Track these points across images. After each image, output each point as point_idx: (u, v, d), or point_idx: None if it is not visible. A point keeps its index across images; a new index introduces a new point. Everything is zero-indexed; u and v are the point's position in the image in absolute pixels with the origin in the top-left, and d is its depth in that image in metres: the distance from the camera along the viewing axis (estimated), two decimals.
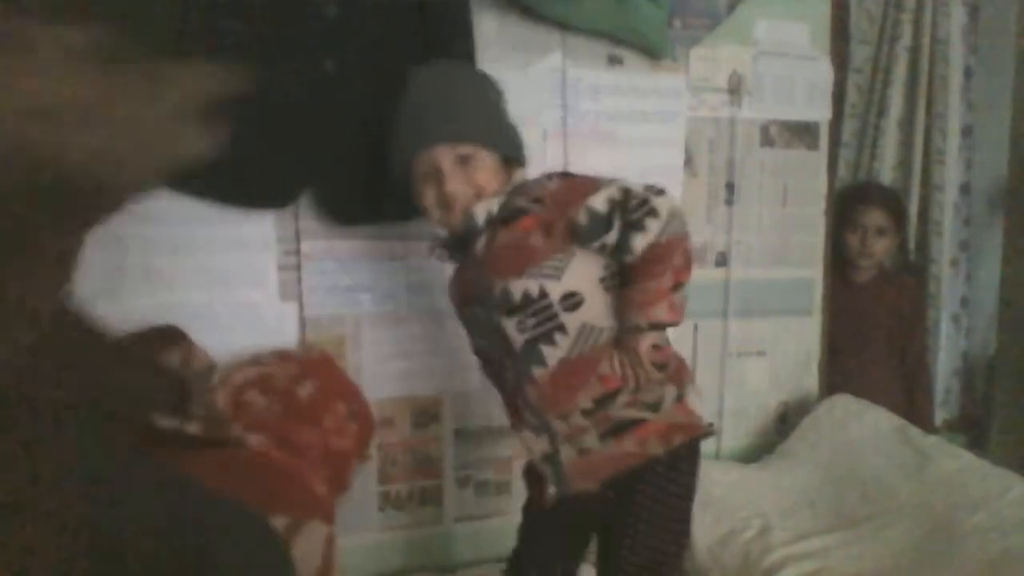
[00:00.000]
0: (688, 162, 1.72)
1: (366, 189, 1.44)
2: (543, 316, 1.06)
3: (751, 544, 1.46)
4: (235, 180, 1.38)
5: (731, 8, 1.73)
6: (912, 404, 2.02)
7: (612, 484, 1.12)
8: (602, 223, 1.05)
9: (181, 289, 1.40)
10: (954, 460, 1.53)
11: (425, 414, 1.58)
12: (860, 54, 2.19)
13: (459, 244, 1.16)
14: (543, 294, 1.05)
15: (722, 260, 1.79)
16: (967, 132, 2.26)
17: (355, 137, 1.41)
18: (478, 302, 1.13)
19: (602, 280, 1.09)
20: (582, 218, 1.05)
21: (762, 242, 1.82)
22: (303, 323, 1.48)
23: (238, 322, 1.43)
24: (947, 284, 2.25)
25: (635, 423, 1.09)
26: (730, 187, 1.78)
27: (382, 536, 1.58)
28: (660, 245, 1.04)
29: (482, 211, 1.11)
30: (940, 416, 2.27)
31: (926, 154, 2.21)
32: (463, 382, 1.57)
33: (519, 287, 1.06)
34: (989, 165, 2.29)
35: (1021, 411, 2.19)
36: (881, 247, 2.03)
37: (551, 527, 1.25)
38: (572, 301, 1.06)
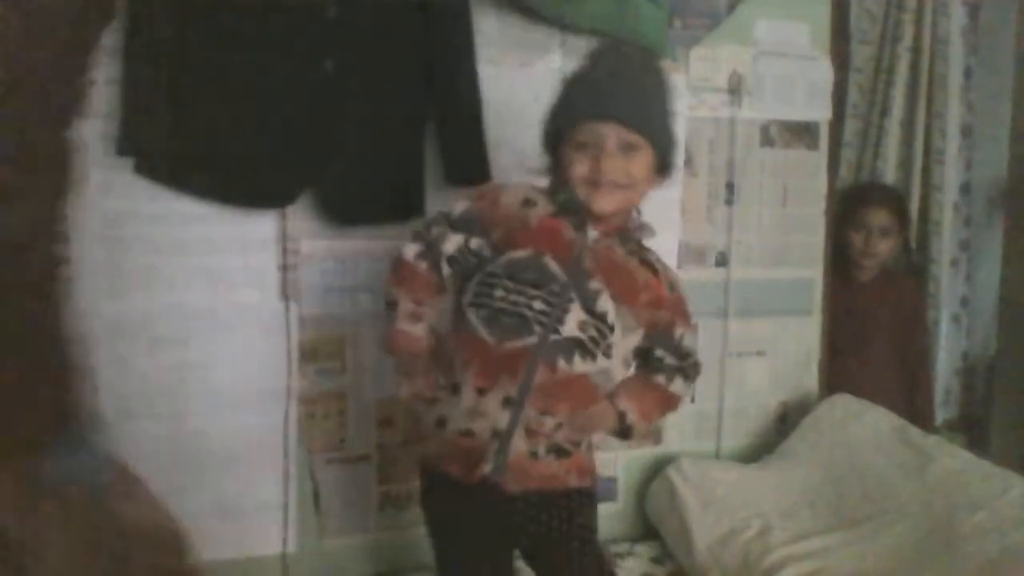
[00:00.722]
0: (688, 162, 1.72)
1: (366, 189, 1.44)
2: (599, 338, 1.12)
3: (751, 544, 1.46)
4: (235, 180, 1.38)
5: (731, 8, 1.73)
6: (912, 404, 2.02)
7: (533, 506, 1.15)
8: (678, 352, 1.21)
9: (181, 289, 1.40)
10: (954, 460, 1.53)
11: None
12: (861, 54, 2.19)
13: (576, 210, 1.14)
14: (612, 328, 1.13)
15: (722, 260, 1.79)
16: (967, 132, 2.26)
17: (355, 137, 1.41)
18: (565, 269, 1.11)
19: (623, 359, 1.19)
20: (677, 335, 1.20)
21: (762, 242, 1.82)
22: (303, 323, 1.48)
23: (238, 322, 1.44)
24: (947, 284, 2.25)
25: (567, 452, 1.16)
26: (730, 187, 1.78)
27: (382, 536, 1.58)
28: (679, 399, 1.26)
29: (639, 231, 1.19)
30: (940, 416, 2.27)
31: (926, 154, 2.21)
32: None
33: (608, 304, 1.12)
34: (989, 165, 2.29)
35: (1021, 411, 2.19)
36: (885, 247, 2.02)
37: (467, 543, 1.22)
38: (611, 352, 1.15)
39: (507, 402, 1.10)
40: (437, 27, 1.44)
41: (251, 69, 1.34)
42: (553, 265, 1.11)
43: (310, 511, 1.53)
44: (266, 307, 1.45)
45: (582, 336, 1.10)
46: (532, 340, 1.09)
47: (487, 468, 1.10)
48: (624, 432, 1.21)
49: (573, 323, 1.10)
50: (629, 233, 1.18)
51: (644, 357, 1.22)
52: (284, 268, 1.45)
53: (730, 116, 1.75)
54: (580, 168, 1.11)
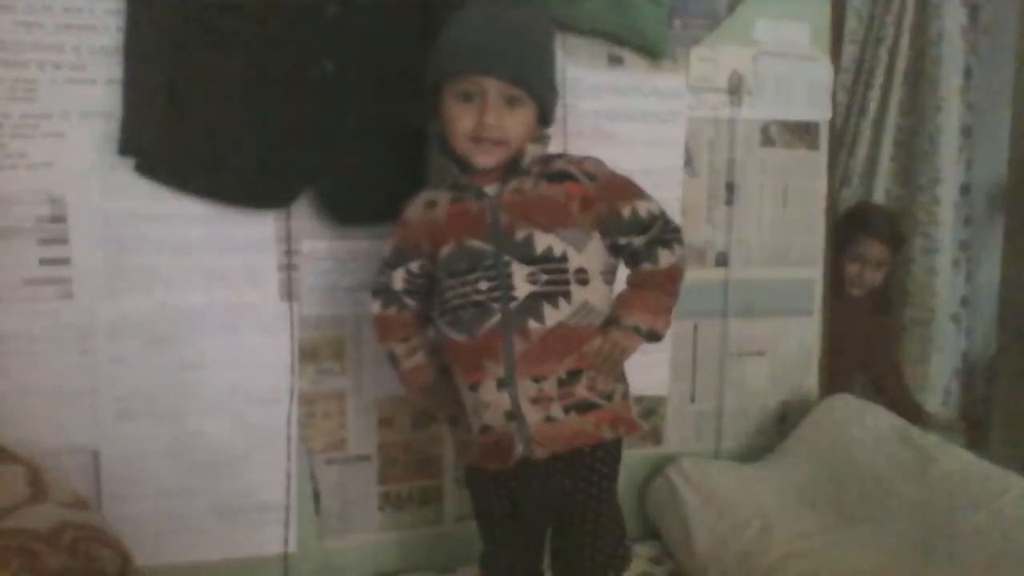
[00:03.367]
0: (688, 162, 1.72)
1: (366, 189, 1.44)
2: (556, 277, 1.11)
3: (751, 543, 1.46)
4: (235, 180, 1.38)
5: (731, 8, 1.73)
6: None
7: (564, 466, 1.16)
8: (638, 226, 1.16)
9: (181, 289, 1.40)
10: (954, 460, 1.53)
11: (425, 414, 1.58)
12: (846, 54, 2.19)
13: (462, 176, 1.15)
14: (563, 258, 1.11)
15: (722, 260, 1.79)
16: (967, 132, 2.26)
17: (355, 137, 1.41)
18: (488, 239, 1.12)
19: (602, 273, 1.16)
20: (626, 212, 1.15)
21: (762, 242, 1.82)
22: (303, 323, 1.48)
23: (238, 322, 1.44)
24: (947, 284, 2.25)
25: (595, 406, 1.14)
26: (730, 187, 1.78)
27: (382, 536, 1.58)
28: (677, 268, 1.19)
29: (532, 155, 1.14)
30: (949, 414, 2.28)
31: (925, 154, 2.22)
32: None
33: (544, 241, 1.10)
34: (989, 165, 2.29)
35: (1021, 411, 2.19)
36: (877, 278, 2.07)
37: (511, 523, 1.25)
38: (582, 276, 1.12)
39: (500, 384, 1.11)
40: (437, 27, 1.44)
41: (251, 69, 1.34)
42: (475, 243, 1.12)
43: (310, 511, 1.53)
44: (266, 307, 1.45)
45: (536, 288, 1.10)
46: (496, 319, 1.10)
47: (519, 451, 1.12)
48: (651, 338, 1.17)
49: (522, 282, 1.10)
50: (521, 164, 1.14)
51: (617, 254, 1.18)
52: (284, 268, 1.45)
53: (730, 116, 1.75)
54: (464, 123, 1.10)
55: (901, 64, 2.18)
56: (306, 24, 1.35)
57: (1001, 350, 2.29)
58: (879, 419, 1.72)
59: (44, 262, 1.32)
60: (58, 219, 1.32)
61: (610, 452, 1.21)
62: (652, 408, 1.76)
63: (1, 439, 1.27)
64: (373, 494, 1.57)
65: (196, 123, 1.33)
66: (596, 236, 1.14)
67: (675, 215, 1.70)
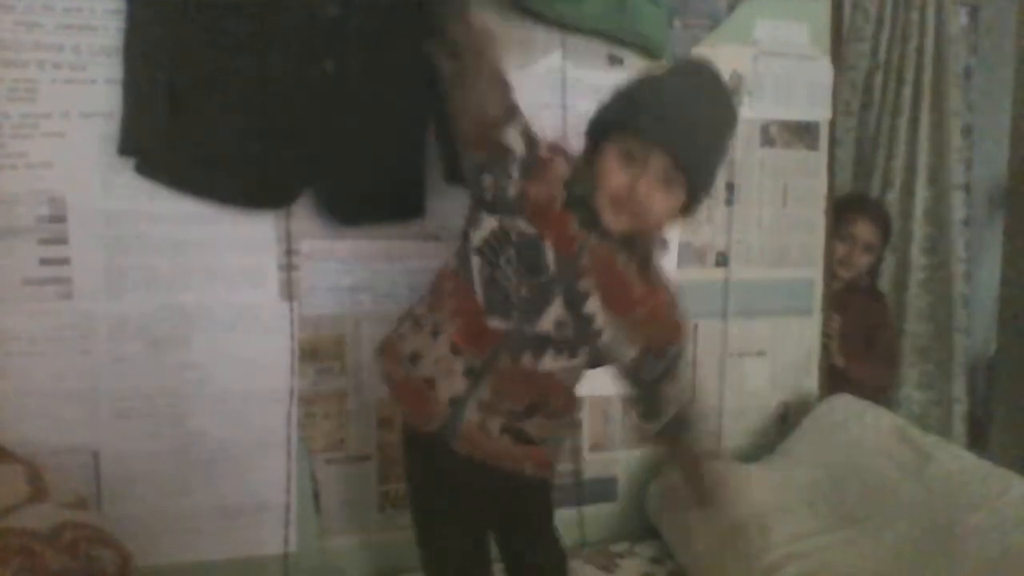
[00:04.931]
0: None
1: (366, 189, 1.44)
2: (578, 341, 1.11)
3: (751, 543, 1.46)
4: (235, 180, 1.38)
5: (731, 8, 1.73)
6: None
7: (487, 473, 1.16)
8: (665, 363, 1.17)
9: (181, 289, 1.40)
10: (954, 460, 1.53)
11: None
12: (855, 51, 2.20)
13: (586, 208, 1.07)
14: (598, 333, 1.11)
15: (722, 260, 1.79)
16: (967, 132, 2.26)
17: (355, 137, 1.41)
18: (558, 267, 1.07)
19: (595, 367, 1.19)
20: (671, 352, 1.16)
21: (762, 242, 1.82)
22: (303, 323, 1.48)
23: (238, 322, 1.44)
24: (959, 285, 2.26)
25: (528, 441, 1.16)
26: (730, 187, 1.78)
27: (382, 536, 1.58)
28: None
29: (649, 250, 1.13)
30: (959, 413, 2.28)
31: (933, 152, 2.22)
32: None
33: (595, 310, 1.09)
34: (989, 165, 2.29)
35: (1021, 411, 2.19)
36: (864, 262, 2.07)
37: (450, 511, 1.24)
38: (594, 361, 1.15)
39: (470, 371, 1.11)
40: (437, 27, 1.44)
41: (251, 69, 1.34)
42: (549, 255, 1.07)
43: (310, 511, 1.53)
44: (266, 307, 1.45)
45: (554, 335, 1.09)
46: (507, 325, 1.09)
47: (433, 426, 1.13)
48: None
49: (550, 319, 1.08)
50: (635, 241, 1.10)
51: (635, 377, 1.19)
52: (284, 268, 1.45)
53: None
54: (617, 180, 1.03)
55: (929, 62, 2.17)
56: (306, 24, 1.35)
57: (1001, 350, 2.30)
58: (879, 419, 1.72)
59: (44, 262, 1.32)
60: (58, 219, 1.32)
61: (539, 489, 1.23)
62: None
63: (1, 439, 1.27)
64: (373, 494, 1.57)
65: (196, 123, 1.33)
66: (622, 342, 1.14)
67: None
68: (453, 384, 1.12)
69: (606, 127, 1.07)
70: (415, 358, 1.16)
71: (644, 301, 1.12)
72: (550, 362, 1.10)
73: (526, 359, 1.10)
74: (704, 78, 1.07)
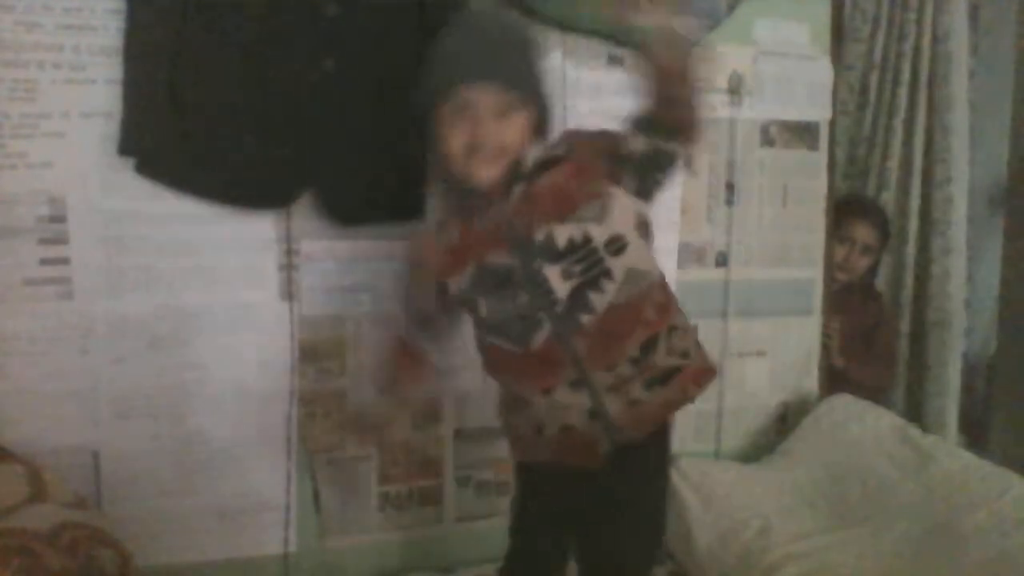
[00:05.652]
0: (688, 162, 1.71)
1: (366, 189, 1.44)
2: (589, 262, 1.05)
3: (751, 543, 1.46)
4: (235, 180, 1.38)
5: (731, 8, 1.73)
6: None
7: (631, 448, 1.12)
8: (636, 147, 1.07)
9: (181, 289, 1.40)
10: (954, 460, 1.53)
11: (425, 414, 1.58)
12: (853, 51, 2.20)
13: (466, 197, 1.10)
14: (587, 239, 1.05)
15: (722, 260, 1.79)
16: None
17: (355, 137, 1.41)
18: (514, 253, 1.07)
19: (638, 227, 1.10)
20: (623, 151, 1.07)
21: (762, 242, 1.82)
22: (303, 323, 1.48)
23: (238, 322, 1.44)
24: (961, 285, 2.25)
25: (677, 370, 1.10)
26: (730, 187, 1.78)
27: (382, 536, 1.58)
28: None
29: (532, 157, 1.08)
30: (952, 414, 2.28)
31: (927, 154, 2.21)
32: (463, 382, 1.57)
33: (563, 233, 1.05)
34: (989, 165, 2.29)
35: (1021, 411, 2.18)
36: (863, 265, 2.07)
37: (543, 519, 1.23)
38: (617, 245, 1.06)
39: (575, 385, 1.08)
40: (437, 27, 1.44)
41: (251, 69, 1.34)
42: (499, 259, 1.07)
43: (310, 511, 1.53)
44: (266, 307, 1.45)
45: (575, 282, 1.05)
46: (547, 328, 1.07)
47: (605, 447, 1.09)
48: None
49: (559, 282, 1.05)
50: (521, 170, 1.09)
51: (642, 185, 1.10)
52: (284, 268, 1.45)
53: (730, 116, 1.75)
54: (455, 139, 1.05)
55: (925, 62, 2.17)
56: (306, 24, 1.35)
57: (1001, 350, 2.29)
58: (879, 419, 1.72)
59: (44, 262, 1.32)
60: (58, 219, 1.32)
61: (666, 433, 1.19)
62: None
63: (1, 439, 1.27)
64: (373, 494, 1.57)
65: (196, 123, 1.33)
66: (616, 192, 1.07)
67: (675, 215, 1.71)
68: (579, 407, 1.09)
69: (425, 110, 1.09)
70: (539, 429, 1.13)
71: (568, 175, 1.08)
72: (600, 298, 1.06)
73: (585, 319, 1.06)
74: (465, 14, 1.15)
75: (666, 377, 1.10)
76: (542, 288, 1.06)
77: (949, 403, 2.27)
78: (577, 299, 1.05)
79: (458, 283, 1.12)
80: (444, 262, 1.14)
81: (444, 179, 1.14)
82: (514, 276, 1.07)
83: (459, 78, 1.04)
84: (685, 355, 1.12)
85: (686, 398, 1.13)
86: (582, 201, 1.06)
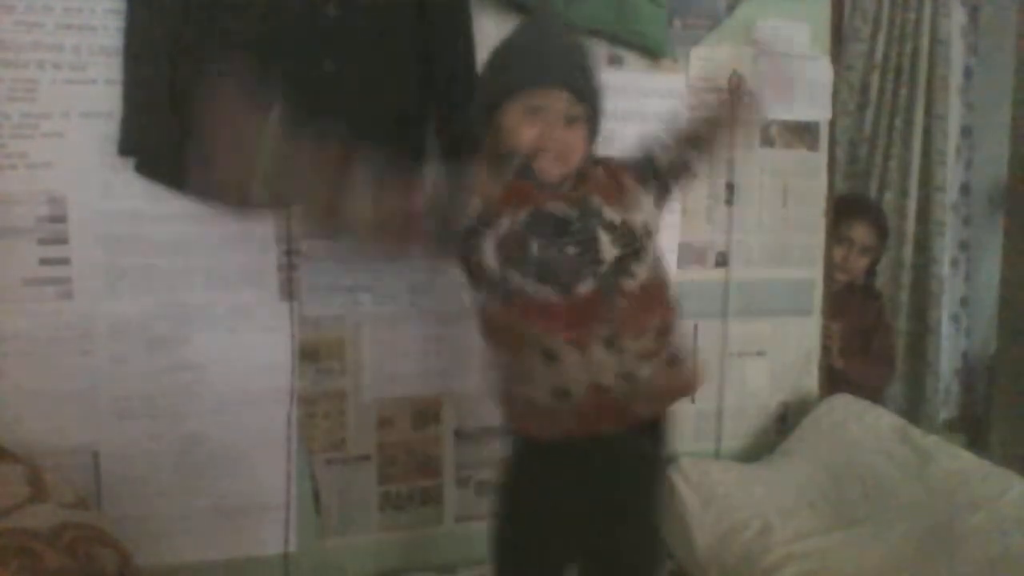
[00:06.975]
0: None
1: None
2: (631, 238, 1.12)
3: (751, 543, 1.46)
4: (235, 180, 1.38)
5: (731, 8, 1.73)
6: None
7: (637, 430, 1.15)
8: (655, 153, 1.21)
9: (181, 289, 1.40)
10: (954, 460, 1.53)
11: (425, 414, 1.58)
12: (853, 51, 2.20)
13: (526, 173, 1.12)
14: (629, 222, 1.12)
15: (722, 260, 1.79)
16: (967, 132, 2.26)
17: (355, 137, 1.41)
18: (572, 207, 1.11)
19: (655, 231, 1.18)
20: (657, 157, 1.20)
21: (762, 242, 1.82)
22: (303, 323, 1.48)
23: (238, 322, 1.44)
24: (947, 284, 2.26)
25: (682, 361, 1.17)
26: (730, 187, 1.78)
27: (382, 536, 1.58)
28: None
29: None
30: (940, 416, 2.28)
31: (926, 154, 2.22)
32: (463, 382, 1.57)
33: (612, 212, 1.12)
34: (989, 165, 2.29)
35: (1021, 411, 2.19)
36: (861, 265, 2.07)
37: (537, 528, 1.20)
38: (648, 229, 1.15)
39: (608, 344, 1.09)
40: (437, 27, 1.44)
41: (251, 69, 1.34)
42: (558, 206, 1.10)
43: (310, 511, 1.53)
44: (266, 307, 1.45)
45: (619, 252, 1.10)
46: (591, 281, 1.09)
47: (639, 410, 1.12)
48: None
49: (608, 246, 1.10)
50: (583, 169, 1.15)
51: (664, 191, 1.21)
52: (284, 268, 1.45)
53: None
54: (527, 135, 1.09)
55: (924, 63, 2.17)
56: (306, 24, 1.35)
57: (1001, 350, 2.29)
58: (879, 419, 1.72)
59: (44, 262, 1.32)
60: (58, 219, 1.32)
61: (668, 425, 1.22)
62: None
63: (1, 439, 1.27)
64: (373, 494, 1.57)
65: (196, 123, 1.32)
66: (644, 196, 1.16)
67: (675, 215, 1.71)
68: (609, 367, 1.09)
69: (499, 97, 1.11)
70: (564, 393, 1.11)
71: (618, 176, 1.16)
72: (640, 271, 1.11)
73: (628, 284, 1.10)
74: (539, 19, 1.18)
75: (675, 362, 1.16)
76: (593, 245, 1.09)
77: (939, 403, 2.28)
78: (621, 265, 1.10)
79: (513, 219, 1.11)
80: (501, 198, 1.12)
81: (505, 154, 1.13)
82: (571, 227, 1.10)
83: (538, 80, 1.08)
84: (685, 351, 1.19)
85: (693, 384, 1.19)
86: (622, 193, 1.14)
